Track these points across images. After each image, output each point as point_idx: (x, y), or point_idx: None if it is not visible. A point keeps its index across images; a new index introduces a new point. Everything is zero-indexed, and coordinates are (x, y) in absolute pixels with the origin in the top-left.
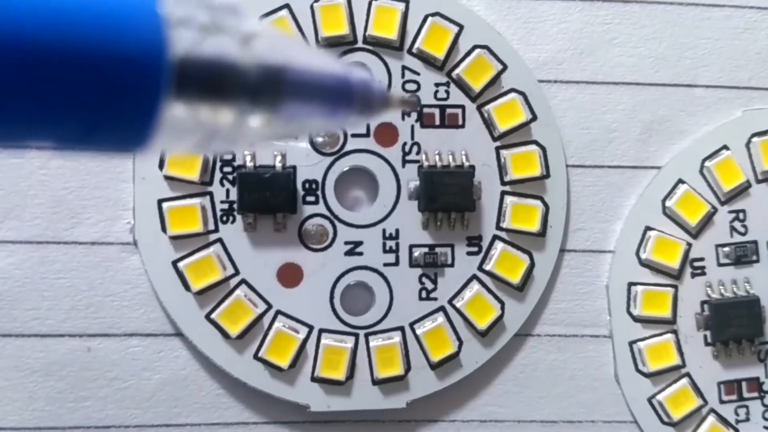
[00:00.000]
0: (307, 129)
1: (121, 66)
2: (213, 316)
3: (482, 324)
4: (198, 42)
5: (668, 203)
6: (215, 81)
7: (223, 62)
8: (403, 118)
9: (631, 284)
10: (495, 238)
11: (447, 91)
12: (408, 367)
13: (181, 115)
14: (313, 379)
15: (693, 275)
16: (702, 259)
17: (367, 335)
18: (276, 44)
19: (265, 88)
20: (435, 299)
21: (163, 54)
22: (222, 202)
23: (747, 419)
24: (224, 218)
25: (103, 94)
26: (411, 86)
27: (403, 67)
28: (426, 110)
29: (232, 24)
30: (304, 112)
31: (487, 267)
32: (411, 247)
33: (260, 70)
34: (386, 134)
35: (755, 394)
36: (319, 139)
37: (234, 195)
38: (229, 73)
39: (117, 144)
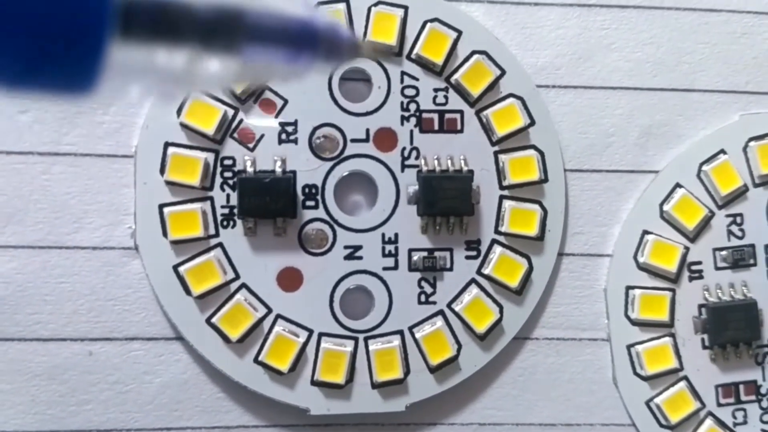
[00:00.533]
0: (270, 74)
1: (63, 4)
2: (213, 320)
3: (481, 327)
4: None
5: (666, 207)
6: (166, 22)
7: (176, 2)
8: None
9: (629, 288)
10: (493, 242)
11: (446, 97)
12: (407, 371)
13: (130, 56)
14: (313, 382)
15: (691, 279)
16: (699, 263)
17: (366, 339)
18: None
19: (220, 29)
20: (434, 303)
21: None
22: (222, 206)
23: (745, 422)
24: (225, 223)
25: (45, 33)
26: (410, 91)
27: (403, 73)
28: (425, 115)
29: None
30: (265, 56)
31: (486, 271)
32: (410, 251)
33: (215, 11)
34: (385, 139)
35: (753, 397)
36: (318, 142)
37: (234, 200)
38: (181, 13)
39: (61, 86)
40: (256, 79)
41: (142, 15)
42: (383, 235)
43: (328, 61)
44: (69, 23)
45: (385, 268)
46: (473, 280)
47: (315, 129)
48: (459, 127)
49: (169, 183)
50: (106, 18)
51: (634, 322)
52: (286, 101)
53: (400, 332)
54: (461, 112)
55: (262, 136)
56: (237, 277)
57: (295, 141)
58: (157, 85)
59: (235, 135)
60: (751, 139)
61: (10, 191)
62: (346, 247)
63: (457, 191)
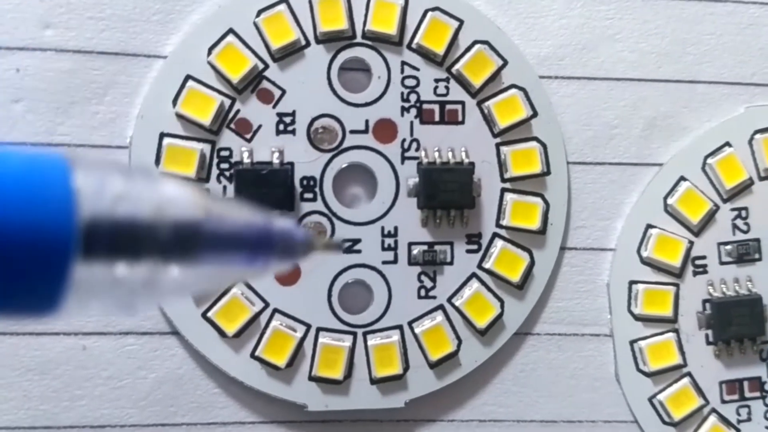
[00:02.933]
0: (230, 277)
1: (26, 231)
2: (209, 314)
3: (482, 323)
4: (109, 207)
5: (670, 201)
6: (125, 239)
7: (135, 224)
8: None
9: (632, 282)
10: (495, 235)
11: (447, 87)
12: (406, 366)
13: (92, 274)
14: (311, 378)
15: (695, 273)
16: (704, 258)
17: (365, 334)
18: (191, 202)
19: (179, 242)
20: (434, 297)
21: (70, 223)
22: None
23: (749, 419)
24: None
25: (9, 260)
26: (410, 82)
27: (403, 63)
28: (426, 106)
29: (146, 188)
30: (223, 262)
31: (487, 265)
32: (410, 244)
33: (173, 225)
34: (385, 130)
35: (757, 394)
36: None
37: (231, 192)
38: (140, 230)
39: (25, 308)
40: (217, 283)
41: (102, 235)
42: (382, 228)
43: (285, 261)
44: (33, 249)
45: (384, 262)
46: (474, 275)
47: (313, 120)
48: (460, 119)
49: (164, 174)
50: (68, 242)
51: (637, 318)
52: (284, 91)
53: (400, 327)
54: (462, 103)
55: (260, 126)
56: None
57: (293, 132)
58: (120, 299)
59: (232, 125)
60: (756, 132)
61: None
62: (344, 241)
63: (458, 184)
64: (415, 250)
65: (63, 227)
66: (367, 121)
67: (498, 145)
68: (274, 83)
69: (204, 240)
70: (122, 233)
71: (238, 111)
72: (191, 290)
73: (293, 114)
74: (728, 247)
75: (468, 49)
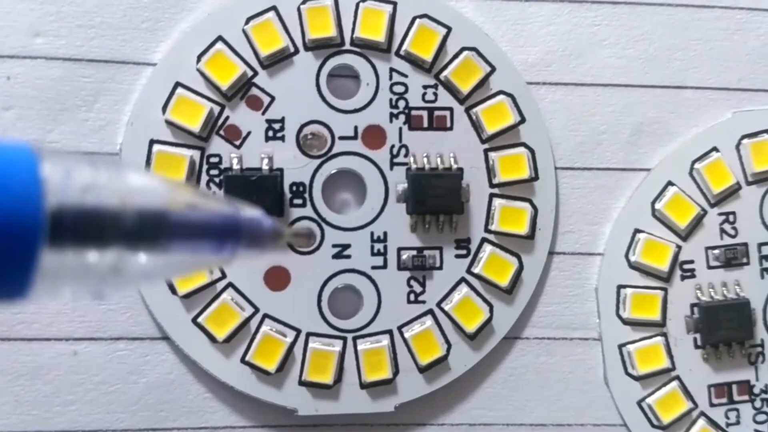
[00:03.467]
0: (198, 264)
1: None
2: (200, 319)
3: (471, 327)
4: (75, 196)
5: (657, 205)
6: (93, 227)
7: (101, 213)
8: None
9: (620, 287)
10: (483, 240)
11: (435, 93)
12: (396, 371)
13: (60, 260)
14: (301, 382)
15: (683, 278)
16: (692, 262)
17: (355, 339)
18: (157, 191)
19: (145, 230)
20: (423, 302)
21: (37, 211)
22: None
23: (737, 422)
24: None
25: None
26: (399, 88)
27: (391, 69)
28: (414, 113)
29: (113, 177)
30: (191, 250)
31: (476, 270)
32: (399, 249)
33: (140, 213)
34: (374, 137)
35: (746, 397)
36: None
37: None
38: (107, 218)
39: None
40: (184, 270)
41: (70, 222)
42: (372, 233)
43: (252, 250)
44: (1, 236)
45: (373, 267)
46: (463, 279)
47: (302, 126)
48: (448, 125)
49: None
50: (36, 230)
51: (626, 322)
52: (273, 98)
53: (389, 332)
54: (451, 109)
55: (249, 133)
56: (223, 276)
57: (283, 138)
58: (88, 285)
59: (222, 132)
60: (743, 137)
61: None
62: (334, 246)
63: (447, 189)
64: (405, 255)
65: (31, 215)
66: (356, 128)
67: (486, 151)
68: (263, 90)
69: (170, 228)
70: (88, 221)
71: (227, 118)
72: (159, 277)
73: (282, 120)
74: (716, 251)
75: (456, 56)
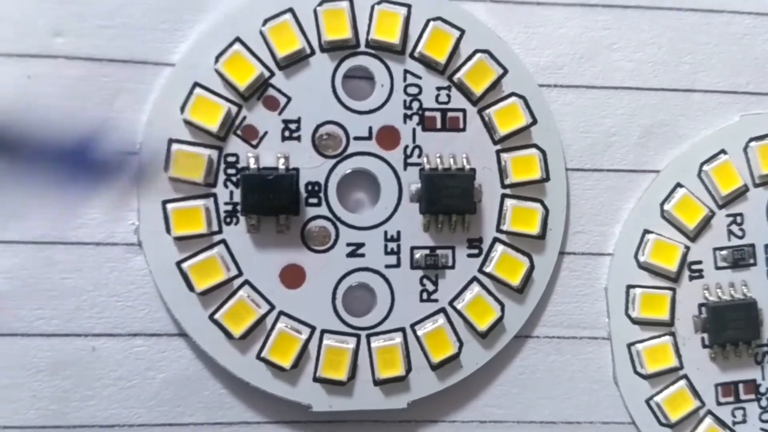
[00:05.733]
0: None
1: None
2: (216, 316)
3: (482, 325)
4: None
5: (667, 207)
6: None
7: None
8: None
9: (629, 287)
10: (495, 240)
11: (448, 95)
12: (409, 368)
13: None
14: (315, 379)
15: (691, 278)
16: (700, 263)
17: (368, 336)
18: None
19: None
20: (436, 301)
21: None
22: (226, 203)
23: (744, 421)
24: (228, 219)
25: None
26: (413, 90)
27: (405, 71)
28: (428, 114)
29: None
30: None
31: (488, 269)
32: (412, 249)
33: None
34: (388, 137)
35: (752, 396)
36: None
37: (237, 197)
38: None
39: None
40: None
41: None
42: (385, 232)
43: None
44: None
45: (387, 266)
46: (475, 278)
47: (318, 126)
48: (461, 126)
49: (172, 179)
50: None
51: (635, 321)
52: (289, 99)
53: (402, 330)
54: (464, 110)
55: (266, 133)
56: (240, 273)
57: (299, 138)
58: None
59: (239, 132)
60: (751, 140)
61: (14, 186)
62: (348, 245)
63: (459, 189)
64: (418, 254)
65: None
66: (370, 128)
67: (498, 152)
68: (279, 91)
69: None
70: None
71: (244, 118)
72: None
73: (298, 121)
74: (724, 252)
75: (469, 58)
